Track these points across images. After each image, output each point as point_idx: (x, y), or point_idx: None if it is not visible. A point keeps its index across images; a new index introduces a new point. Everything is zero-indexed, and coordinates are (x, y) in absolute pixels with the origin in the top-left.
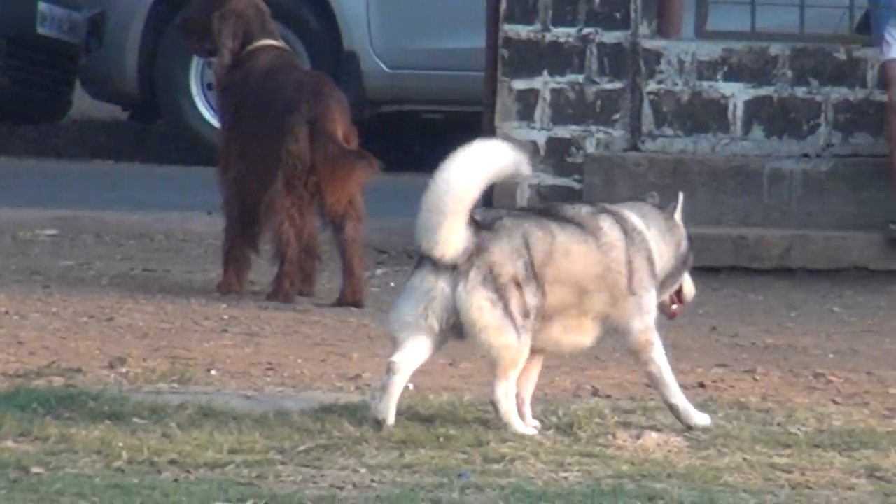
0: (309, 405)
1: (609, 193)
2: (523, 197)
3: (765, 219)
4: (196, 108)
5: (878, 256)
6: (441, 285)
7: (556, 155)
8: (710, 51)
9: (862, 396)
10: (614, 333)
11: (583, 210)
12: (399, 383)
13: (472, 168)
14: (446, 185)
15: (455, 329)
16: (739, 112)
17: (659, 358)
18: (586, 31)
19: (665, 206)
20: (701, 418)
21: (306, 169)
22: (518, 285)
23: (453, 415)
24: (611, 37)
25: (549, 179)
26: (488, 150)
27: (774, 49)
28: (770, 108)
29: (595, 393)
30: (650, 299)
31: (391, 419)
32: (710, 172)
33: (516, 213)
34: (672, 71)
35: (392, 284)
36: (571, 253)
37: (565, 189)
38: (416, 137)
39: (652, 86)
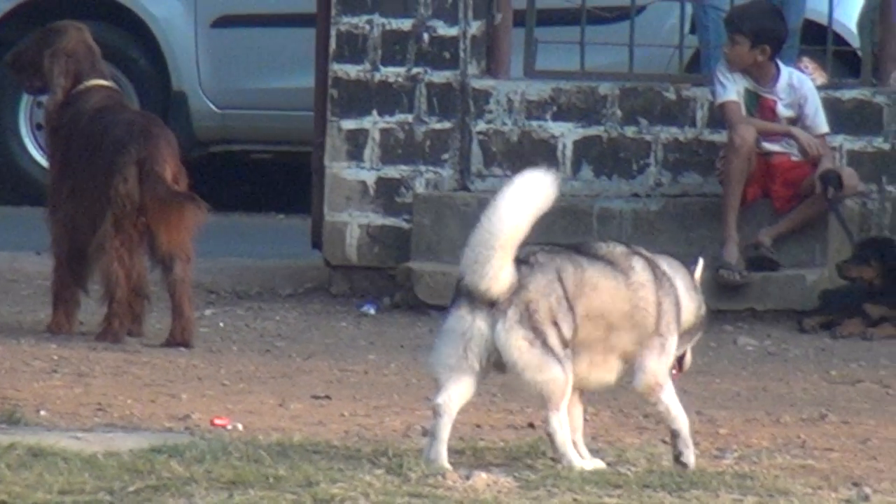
0: (138, 445)
1: (438, 234)
2: (353, 237)
3: None
4: (25, 148)
5: (707, 296)
6: (479, 324)
7: (385, 195)
8: (538, 90)
9: (692, 436)
10: (629, 371)
11: (616, 249)
12: (447, 425)
13: (523, 203)
14: (499, 220)
15: (497, 365)
16: (569, 152)
17: (667, 398)
18: (415, 70)
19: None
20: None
21: (135, 209)
22: (554, 320)
23: (283, 455)
24: (440, 76)
25: (379, 219)
26: (535, 183)
27: (603, 88)
28: (599, 148)
29: (425, 433)
30: (672, 343)
31: (444, 462)
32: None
33: (548, 248)
34: (501, 111)
35: (221, 324)
36: (599, 287)
37: (395, 229)
38: (245, 177)
39: (481, 125)
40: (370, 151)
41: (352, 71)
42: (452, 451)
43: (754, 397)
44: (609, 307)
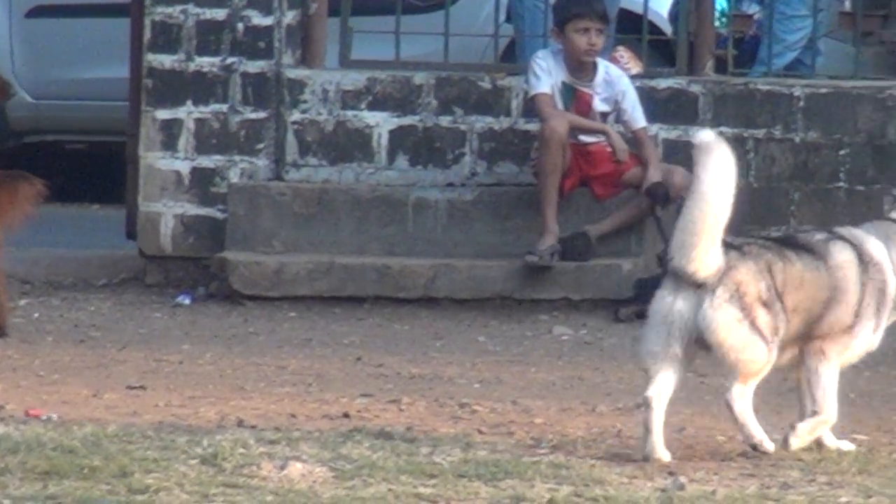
0: None
1: (253, 224)
2: (167, 227)
3: (410, 248)
4: None
5: (522, 285)
6: (679, 305)
7: (200, 185)
8: (354, 80)
9: (507, 426)
10: None
11: (816, 236)
12: (658, 418)
13: (725, 185)
14: (706, 204)
15: (702, 346)
16: (384, 141)
17: (828, 374)
18: (230, 60)
19: None
20: (846, 445)
21: None
22: (765, 304)
23: (97, 446)
24: (255, 66)
25: (194, 210)
26: (728, 164)
27: (419, 78)
28: (415, 138)
29: (240, 423)
30: (865, 328)
31: (660, 453)
32: (354, 202)
33: (761, 242)
34: (316, 100)
35: (36, 315)
36: (806, 282)
37: (209, 219)
38: (60, 168)
39: (296, 115)
40: (185, 141)
41: (166, 61)
42: (266, 442)
43: (570, 387)
44: (813, 299)
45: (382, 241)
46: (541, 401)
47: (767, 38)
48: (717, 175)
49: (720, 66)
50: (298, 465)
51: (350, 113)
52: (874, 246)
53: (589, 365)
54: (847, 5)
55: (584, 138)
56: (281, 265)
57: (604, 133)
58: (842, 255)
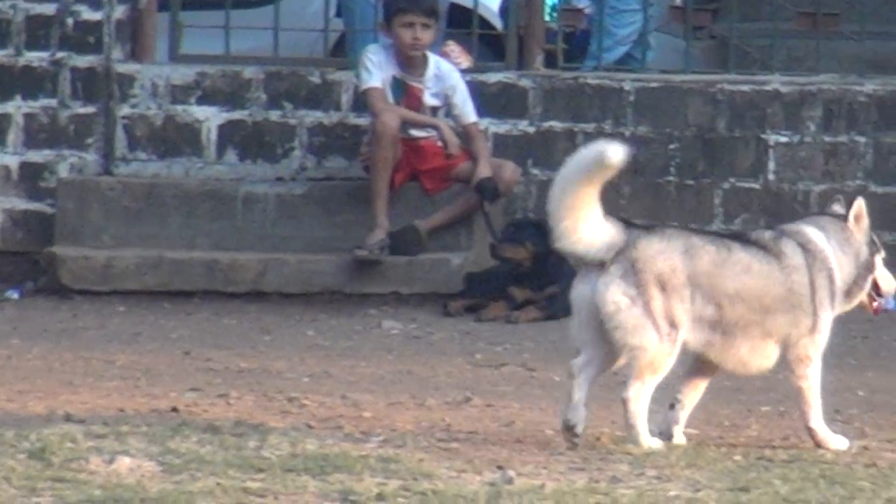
0: None
1: (82, 218)
2: None
3: (239, 242)
4: None
5: (352, 280)
6: (581, 287)
7: (29, 180)
8: (183, 74)
9: (336, 420)
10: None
11: (766, 234)
12: (579, 386)
13: (582, 166)
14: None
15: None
16: (213, 136)
17: (812, 377)
18: (59, 55)
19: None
20: (839, 442)
21: None
22: (663, 288)
23: None
24: (84, 61)
25: (23, 204)
26: (589, 150)
27: (248, 72)
28: (244, 132)
29: (68, 418)
30: (826, 319)
31: (576, 421)
32: (183, 196)
33: (685, 228)
34: (145, 95)
35: None
36: (752, 270)
37: (38, 214)
38: None
39: (125, 110)
40: (13, 136)
41: None
42: (94, 436)
43: (399, 381)
44: (762, 290)
45: (212, 235)
46: (370, 395)
47: (598, 33)
48: (577, 158)
49: (551, 61)
50: (127, 459)
51: (179, 107)
52: (817, 237)
53: (418, 359)
54: (678, 0)
55: (414, 133)
56: (110, 260)
57: (435, 128)
58: (793, 253)
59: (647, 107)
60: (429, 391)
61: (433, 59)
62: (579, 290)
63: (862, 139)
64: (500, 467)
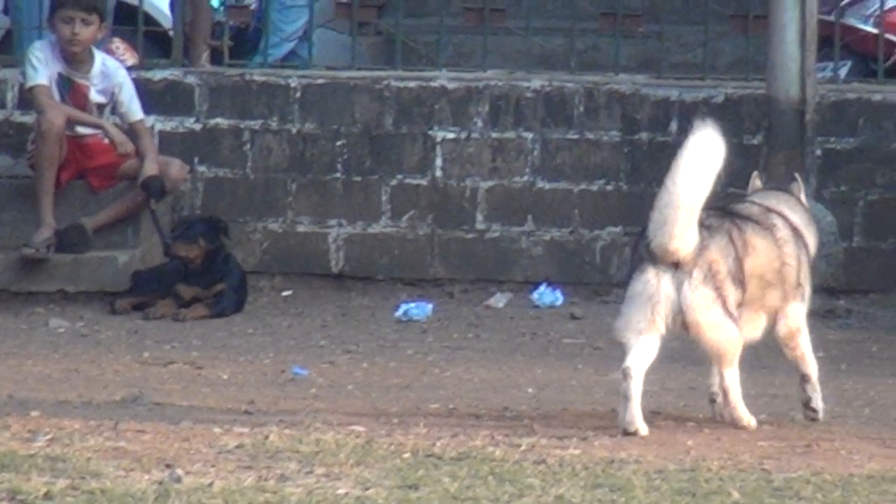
0: None
1: None
2: None
3: None
4: None
5: (18, 278)
6: (665, 286)
7: None
8: None
9: (3, 419)
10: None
11: (755, 209)
12: (637, 387)
13: (703, 164)
14: (682, 182)
15: (683, 325)
16: None
17: (804, 343)
18: None
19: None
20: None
21: None
22: (732, 280)
23: None
24: None
25: None
26: (711, 143)
27: None
28: None
29: None
30: (809, 289)
31: (639, 425)
32: None
33: (715, 212)
34: None
35: None
36: (758, 248)
37: None
38: None
39: None
40: None
41: None
42: None
43: (66, 379)
44: (766, 266)
45: None
46: (37, 394)
47: (265, 29)
48: (697, 152)
49: (219, 58)
50: None
51: None
52: (792, 211)
53: (85, 357)
54: None
55: (81, 130)
56: None
57: (101, 128)
58: (783, 226)
59: (314, 104)
60: (97, 390)
61: (99, 57)
62: (655, 287)
63: (529, 135)
64: (168, 466)
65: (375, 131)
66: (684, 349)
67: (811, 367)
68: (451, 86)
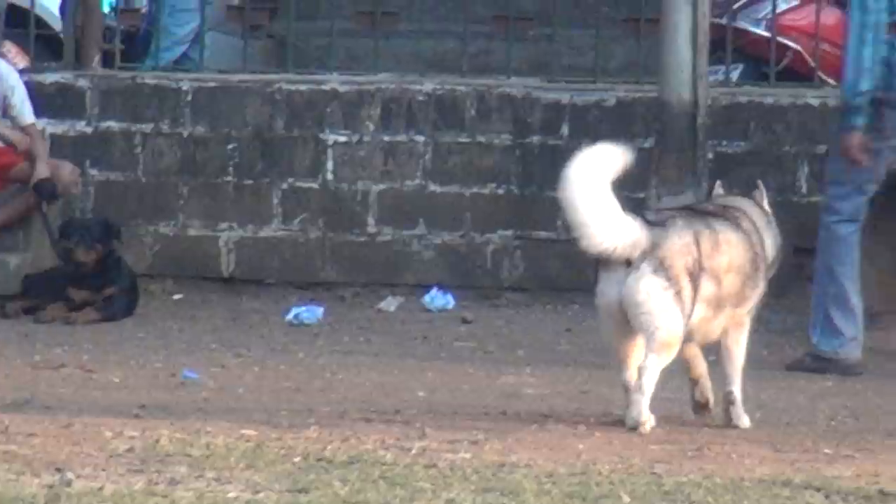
0: None
1: None
2: None
3: None
4: None
5: None
6: (607, 287)
7: None
8: None
9: None
10: None
11: (720, 208)
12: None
13: (590, 178)
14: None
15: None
16: None
17: (744, 336)
18: None
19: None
20: (745, 421)
21: None
22: (689, 278)
23: None
24: None
25: None
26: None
27: None
28: None
29: None
30: (763, 288)
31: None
32: None
33: (685, 213)
34: None
35: None
36: (733, 244)
37: None
38: None
39: None
40: None
41: None
42: None
43: None
44: (742, 258)
45: None
46: None
47: (156, 33)
48: (582, 162)
49: (111, 61)
50: None
51: None
52: (752, 211)
53: None
54: None
55: None
56: None
57: None
58: (747, 223)
59: (205, 107)
60: None
61: None
62: (608, 292)
63: (421, 138)
64: (58, 469)
65: (267, 134)
66: (576, 353)
67: (739, 372)
68: (342, 89)
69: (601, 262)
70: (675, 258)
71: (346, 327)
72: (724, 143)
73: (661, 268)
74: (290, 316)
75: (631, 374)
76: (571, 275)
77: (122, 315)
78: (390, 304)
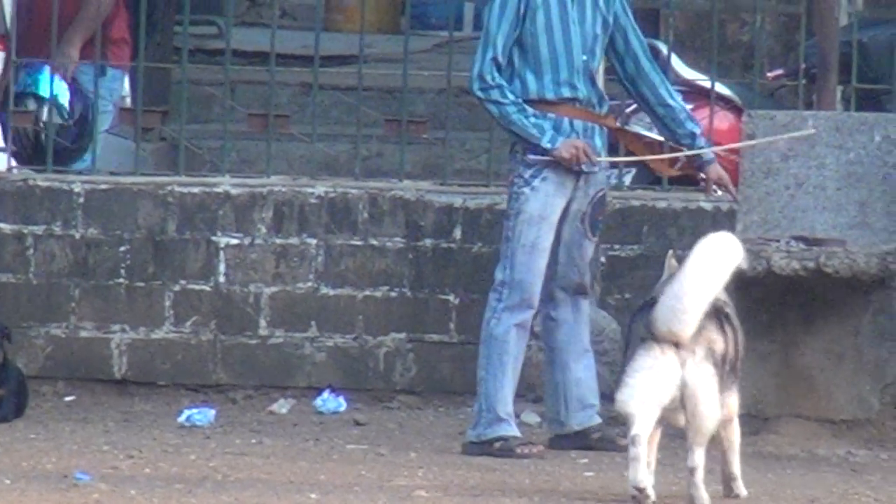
0: None
1: None
2: None
3: None
4: None
5: None
6: (670, 362)
7: None
8: None
9: None
10: None
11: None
12: (644, 451)
13: (718, 267)
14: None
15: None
16: None
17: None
18: None
19: None
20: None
21: None
22: (725, 362)
23: None
24: None
25: None
26: (725, 247)
27: None
28: None
29: None
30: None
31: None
32: None
33: (724, 300)
34: None
35: None
36: (737, 328)
37: None
38: None
39: None
40: None
41: None
42: None
43: None
44: (742, 344)
45: None
46: None
47: (95, 133)
48: (713, 256)
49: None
50: None
51: None
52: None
53: None
54: (128, 102)
55: None
56: None
57: None
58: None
59: (97, 209)
60: None
61: None
62: (662, 363)
63: (313, 241)
64: None
65: (159, 237)
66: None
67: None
68: (234, 191)
69: (643, 339)
70: (717, 343)
71: (238, 429)
72: (617, 247)
73: (710, 352)
74: (181, 418)
75: (641, 428)
76: (464, 377)
77: (13, 417)
78: (282, 406)
